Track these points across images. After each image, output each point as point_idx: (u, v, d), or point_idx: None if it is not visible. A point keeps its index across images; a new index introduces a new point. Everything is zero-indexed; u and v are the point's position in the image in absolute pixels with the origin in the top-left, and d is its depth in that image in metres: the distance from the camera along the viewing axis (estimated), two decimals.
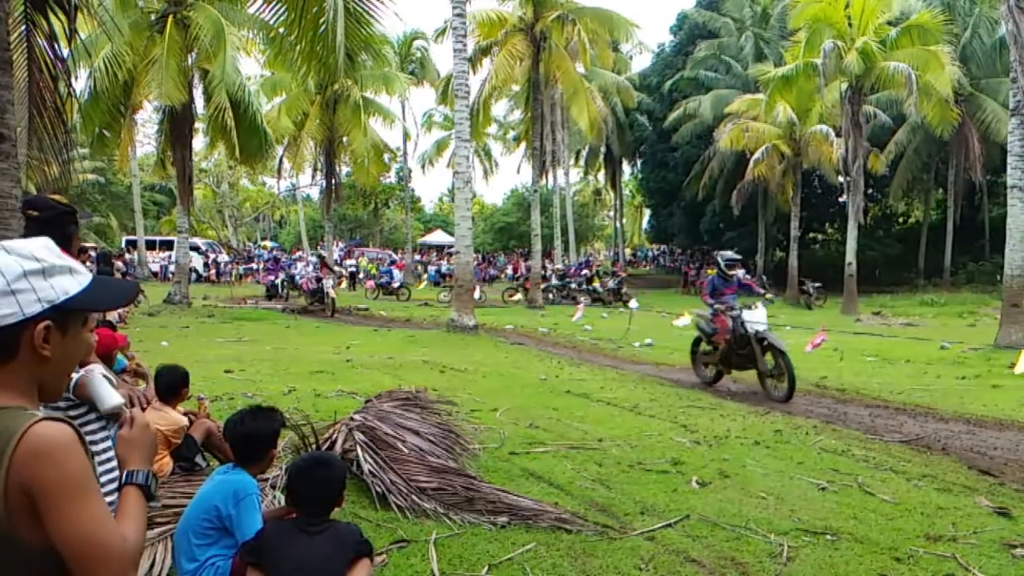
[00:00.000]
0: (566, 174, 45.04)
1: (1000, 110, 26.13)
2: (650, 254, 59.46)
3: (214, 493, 3.00)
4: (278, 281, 27.41)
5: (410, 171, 48.10)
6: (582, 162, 52.57)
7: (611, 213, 62.16)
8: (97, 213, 44.05)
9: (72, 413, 3.07)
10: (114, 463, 2.93)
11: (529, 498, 4.54)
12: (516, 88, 32.21)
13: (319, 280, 21.63)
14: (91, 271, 1.70)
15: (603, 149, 46.44)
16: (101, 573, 1.33)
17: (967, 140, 29.28)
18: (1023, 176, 14.11)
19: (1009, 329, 13.89)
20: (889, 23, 23.73)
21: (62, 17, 4.62)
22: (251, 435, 3.15)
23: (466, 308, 16.20)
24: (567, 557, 3.78)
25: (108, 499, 1.57)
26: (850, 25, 23.55)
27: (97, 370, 1.89)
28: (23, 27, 5.01)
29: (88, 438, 3.14)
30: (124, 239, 42.55)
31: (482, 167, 56.13)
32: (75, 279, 1.45)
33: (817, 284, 28.49)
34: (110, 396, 1.72)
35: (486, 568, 3.60)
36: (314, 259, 30.56)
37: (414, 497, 4.35)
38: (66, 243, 2.27)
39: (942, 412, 8.15)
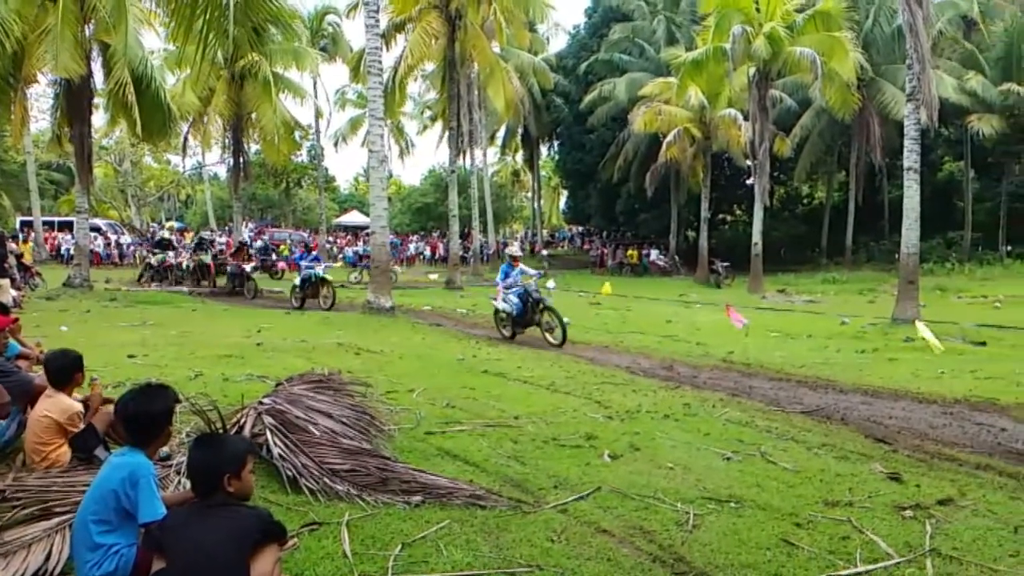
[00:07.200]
0: (484, 155, 44.97)
1: (899, 94, 27.18)
2: (568, 235, 60.03)
3: (111, 477, 2.93)
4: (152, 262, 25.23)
5: (323, 150, 47.17)
6: (498, 142, 52.54)
7: (529, 194, 62.43)
8: None
9: None
10: None
11: (444, 476, 4.54)
12: (432, 67, 31.80)
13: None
14: None
15: (520, 130, 46.53)
16: None
17: (868, 124, 30.53)
18: (918, 159, 14.83)
19: (905, 304, 14.62)
20: (796, 10, 24.48)
21: None
22: (141, 415, 3.09)
23: (383, 290, 16.01)
24: (481, 532, 3.80)
25: None
26: (758, 10, 24.22)
27: None
28: None
29: None
30: (19, 219, 40.29)
31: (398, 146, 55.63)
32: None
33: (726, 263, 29.33)
34: None
35: (399, 547, 3.58)
36: None
37: (326, 479, 4.29)
38: None
39: (841, 384, 8.52)
